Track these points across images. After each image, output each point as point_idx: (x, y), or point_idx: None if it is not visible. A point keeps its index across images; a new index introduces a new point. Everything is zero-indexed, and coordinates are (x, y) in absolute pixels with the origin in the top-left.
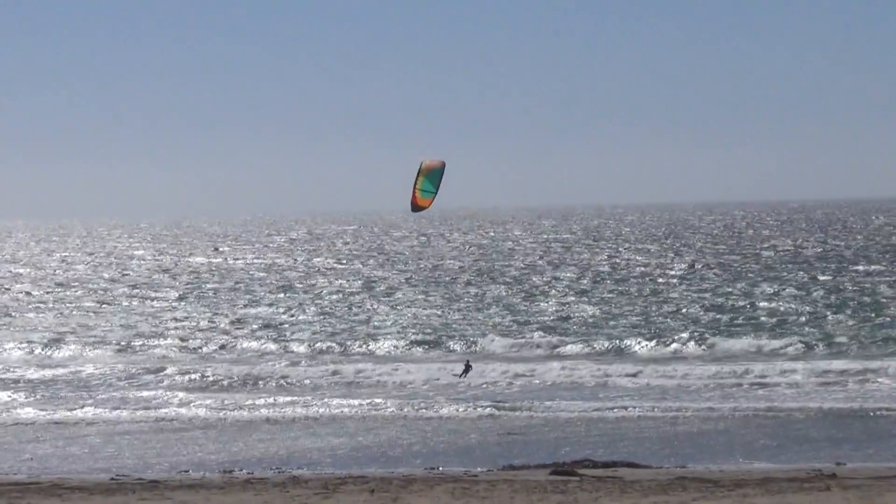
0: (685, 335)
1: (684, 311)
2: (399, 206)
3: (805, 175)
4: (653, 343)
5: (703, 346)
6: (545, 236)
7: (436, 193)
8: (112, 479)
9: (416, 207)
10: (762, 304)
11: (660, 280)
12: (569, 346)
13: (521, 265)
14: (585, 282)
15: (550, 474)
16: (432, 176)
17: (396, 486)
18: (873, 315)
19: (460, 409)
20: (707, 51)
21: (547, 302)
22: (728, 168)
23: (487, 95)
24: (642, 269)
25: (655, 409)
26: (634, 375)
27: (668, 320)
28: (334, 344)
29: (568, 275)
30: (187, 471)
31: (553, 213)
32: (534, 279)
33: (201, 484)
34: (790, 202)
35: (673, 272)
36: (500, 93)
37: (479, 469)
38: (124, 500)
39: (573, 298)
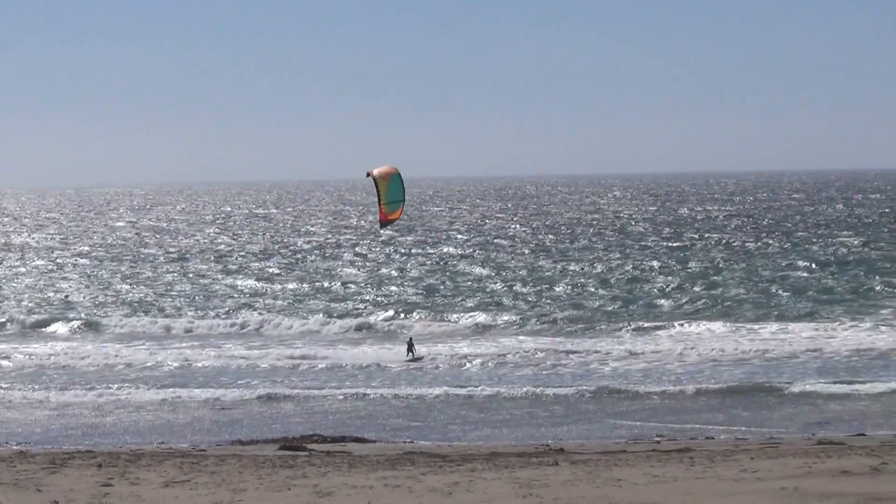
0: (390, 313)
1: (396, 291)
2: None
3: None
4: (342, 323)
5: (401, 327)
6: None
7: (404, 201)
8: None
9: (385, 223)
10: (473, 283)
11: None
12: (271, 328)
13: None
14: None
15: (279, 449)
16: (393, 185)
17: (125, 461)
18: (582, 295)
19: (178, 391)
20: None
21: (258, 281)
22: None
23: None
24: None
25: (371, 391)
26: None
27: (365, 301)
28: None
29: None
30: None
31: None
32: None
33: None
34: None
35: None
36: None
37: (207, 444)
38: None
39: (280, 274)
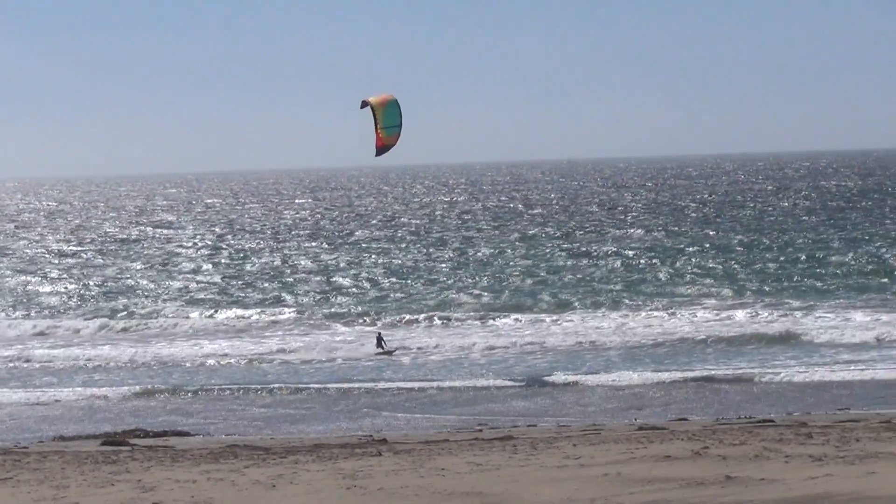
0: (203, 311)
1: (183, 286)
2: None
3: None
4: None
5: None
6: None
7: (400, 126)
8: None
9: (381, 150)
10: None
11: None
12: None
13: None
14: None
15: (101, 444)
16: (390, 110)
17: None
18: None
19: None
20: None
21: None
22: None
23: None
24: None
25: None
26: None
27: (149, 297)
28: None
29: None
30: None
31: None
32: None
33: None
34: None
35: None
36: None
37: (29, 440)
38: None
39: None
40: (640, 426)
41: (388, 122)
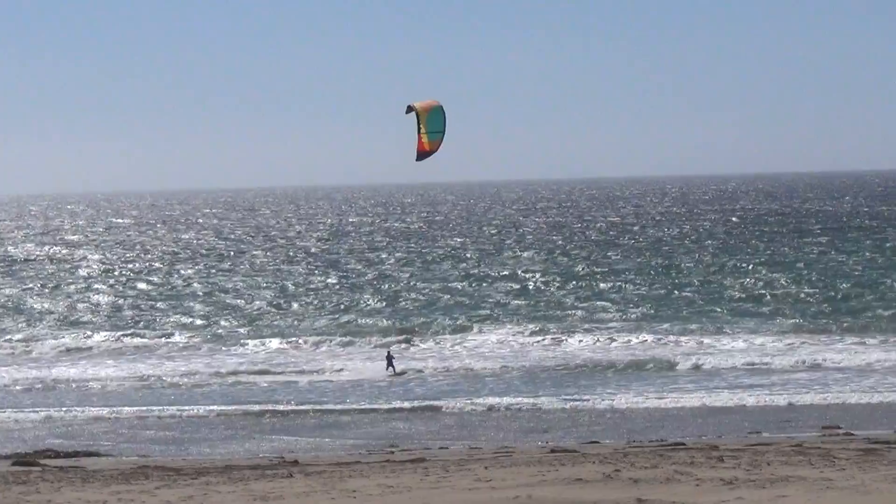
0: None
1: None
2: None
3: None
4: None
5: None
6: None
7: (444, 133)
8: None
9: (423, 155)
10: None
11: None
12: None
13: None
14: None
15: (12, 465)
16: (434, 116)
17: None
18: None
19: None
20: None
21: None
22: None
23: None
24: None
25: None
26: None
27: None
28: None
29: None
30: None
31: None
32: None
33: None
34: None
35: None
36: None
37: None
38: None
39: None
40: (552, 449)
41: (433, 127)
